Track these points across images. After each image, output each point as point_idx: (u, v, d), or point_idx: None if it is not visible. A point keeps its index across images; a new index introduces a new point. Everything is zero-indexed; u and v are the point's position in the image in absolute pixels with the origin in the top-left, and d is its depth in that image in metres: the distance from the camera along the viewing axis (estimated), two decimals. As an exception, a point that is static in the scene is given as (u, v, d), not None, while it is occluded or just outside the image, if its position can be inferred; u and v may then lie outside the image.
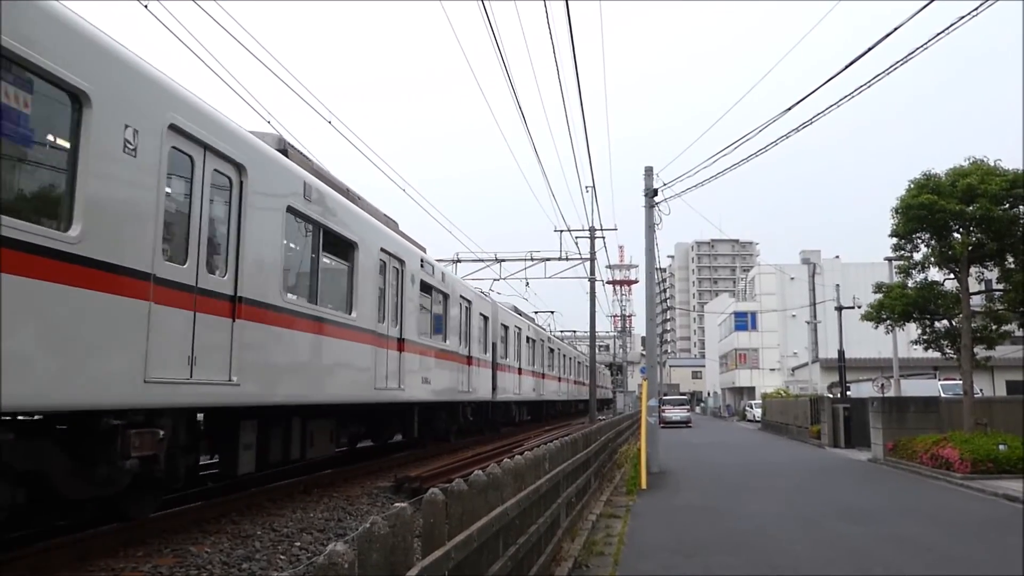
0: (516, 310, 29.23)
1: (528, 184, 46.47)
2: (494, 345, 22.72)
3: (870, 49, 11.83)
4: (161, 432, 7.25)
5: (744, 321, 67.97)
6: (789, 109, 14.52)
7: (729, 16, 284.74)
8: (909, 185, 19.18)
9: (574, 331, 59.27)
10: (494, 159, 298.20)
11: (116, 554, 7.19)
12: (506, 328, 24.79)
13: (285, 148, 10.39)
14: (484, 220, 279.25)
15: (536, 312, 47.12)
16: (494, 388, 22.45)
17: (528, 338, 28.88)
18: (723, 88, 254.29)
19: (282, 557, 7.57)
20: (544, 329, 37.04)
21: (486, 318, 21.92)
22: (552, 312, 53.36)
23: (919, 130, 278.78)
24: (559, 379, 37.92)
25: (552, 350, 35.82)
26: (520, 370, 26.89)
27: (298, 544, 8.10)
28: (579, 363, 48.44)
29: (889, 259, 24.76)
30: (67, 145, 6.14)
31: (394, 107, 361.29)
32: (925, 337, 20.44)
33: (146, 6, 10.09)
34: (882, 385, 29.59)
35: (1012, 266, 18.72)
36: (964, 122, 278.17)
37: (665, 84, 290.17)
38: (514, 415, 29.05)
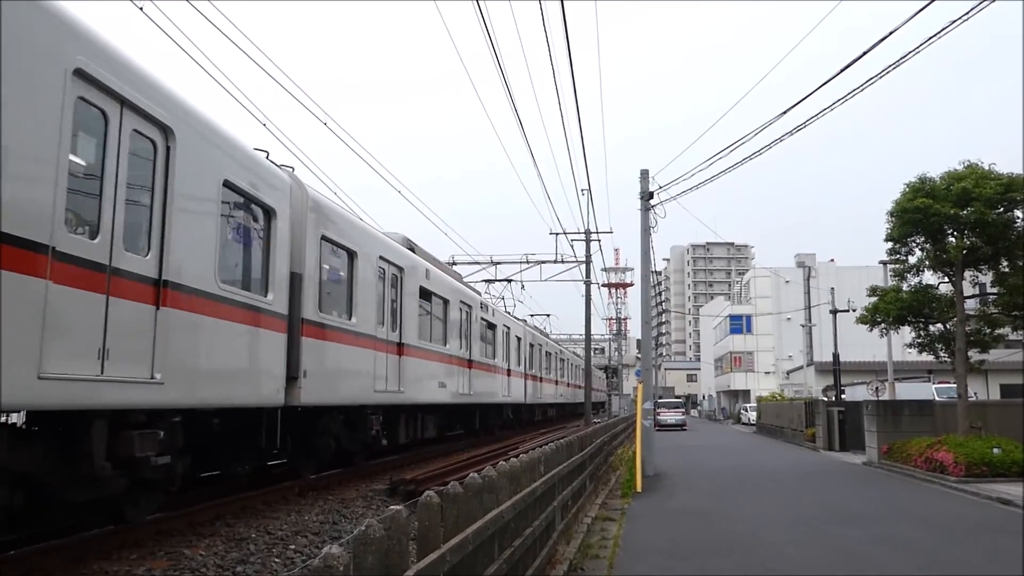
0: (411, 246, 16.89)
1: (524, 187, 46.74)
2: (296, 278, 10.55)
3: (866, 53, 11.87)
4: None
5: (739, 324, 68.09)
6: (785, 112, 14.58)
7: (725, 17, 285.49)
8: (904, 189, 19.25)
9: (548, 315, 51.63)
10: (489, 160, 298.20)
11: (110, 556, 7.17)
12: (351, 256, 12.58)
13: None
14: (479, 221, 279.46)
15: (488, 283, 35.78)
16: (296, 377, 10.31)
17: (429, 293, 17.09)
18: (719, 89, 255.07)
19: (276, 560, 7.55)
20: (480, 295, 24.82)
21: (270, 214, 9.97)
22: (509, 282, 35.91)
23: (915, 132, 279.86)
24: (508, 372, 26.30)
25: (493, 326, 24.41)
26: (402, 348, 14.83)
27: (293, 547, 8.08)
28: (549, 354, 36.83)
29: (884, 263, 24.81)
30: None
31: (387, 106, 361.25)
32: (920, 340, 20.47)
33: (141, 8, 10.08)
34: (877, 388, 29.67)
35: (1006, 270, 18.77)
36: (961, 124, 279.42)
37: (661, 85, 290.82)
38: (374, 432, 14.03)
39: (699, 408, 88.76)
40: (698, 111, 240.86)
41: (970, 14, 10.13)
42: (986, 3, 10.03)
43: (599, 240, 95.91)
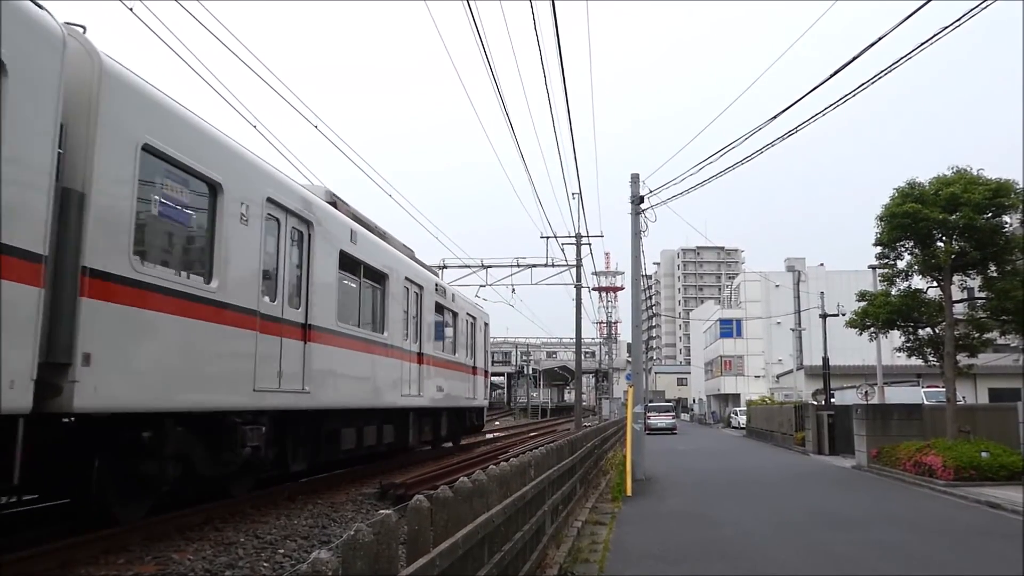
0: (332, 199, 12.65)
1: (515, 191, 46.78)
2: (74, 201, 6.62)
3: (855, 58, 11.92)
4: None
5: (729, 328, 68.33)
6: (774, 117, 14.61)
7: (719, 16, 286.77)
8: (893, 194, 19.38)
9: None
10: (480, 159, 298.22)
11: (97, 561, 7.11)
12: (213, 190, 8.76)
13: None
14: (470, 218, 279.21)
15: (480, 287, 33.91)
16: (67, 364, 6.45)
17: (356, 263, 12.96)
18: (711, 86, 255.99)
19: (265, 564, 7.51)
20: (438, 275, 21.27)
21: None
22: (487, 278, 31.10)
23: (906, 136, 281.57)
24: (474, 371, 22.17)
25: (455, 314, 20.21)
26: (310, 332, 10.85)
27: (282, 551, 8.04)
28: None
29: (873, 267, 24.92)
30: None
31: (377, 103, 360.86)
32: (908, 344, 20.58)
33: (131, 8, 10.04)
34: (866, 392, 29.77)
35: (995, 274, 18.89)
36: (952, 126, 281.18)
37: (654, 79, 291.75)
38: (250, 449, 9.54)
39: (690, 412, 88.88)
40: (691, 104, 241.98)
41: (961, 21, 10.18)
42: (985, 4, 10.07)
43: (589, 244, 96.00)
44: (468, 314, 21.60)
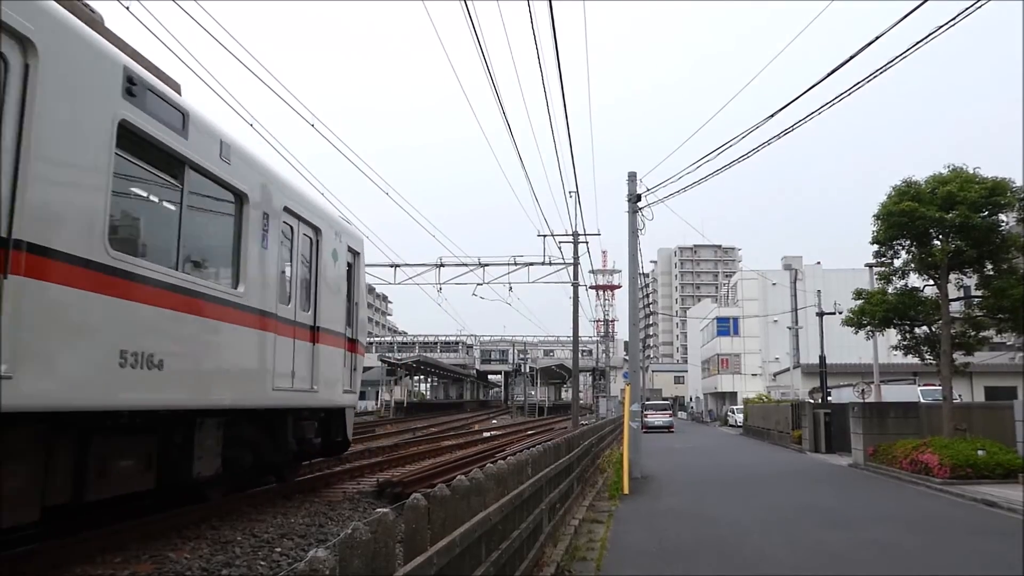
0: None
1: (512, 189, 46.79)
2: None
3: (853, 57, 11.92)
4: None
5: (726, 326, 68.31)
6: (772, 115, 14.61)
7: (716, 17, 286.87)
8: (890, 192, 19.42)
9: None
10: (477, 159, 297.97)
11: (93, 560, 7.10)
12: None
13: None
14: (468, 219, 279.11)
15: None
16: None
17: None
18: (709, 85, 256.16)
19: (262, 563, 7.51)
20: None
21: None
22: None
23: (902, 134, 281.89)
24: (315, 335, 10.50)
25: (237, 194, 8.55)
26: None
27: (279, 550, 8.03)
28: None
29: (870, 265, 24.97)
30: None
31: (367, 76, 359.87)
32: (905, 343, 20.62)
33: (127, 7, 10.01)
34: (863, 390, 29.81)
35: (991, 272, 18.92)
36: (949, 126, 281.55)
37: (651, 88, 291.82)
38: None
39: (689, 410, 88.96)
40: (688, 110, 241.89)
41: (957, 19, 10.18)
42: (980, 3, 10.07)
43: (587, 242, 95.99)
44: (290, 212, 10.12)
